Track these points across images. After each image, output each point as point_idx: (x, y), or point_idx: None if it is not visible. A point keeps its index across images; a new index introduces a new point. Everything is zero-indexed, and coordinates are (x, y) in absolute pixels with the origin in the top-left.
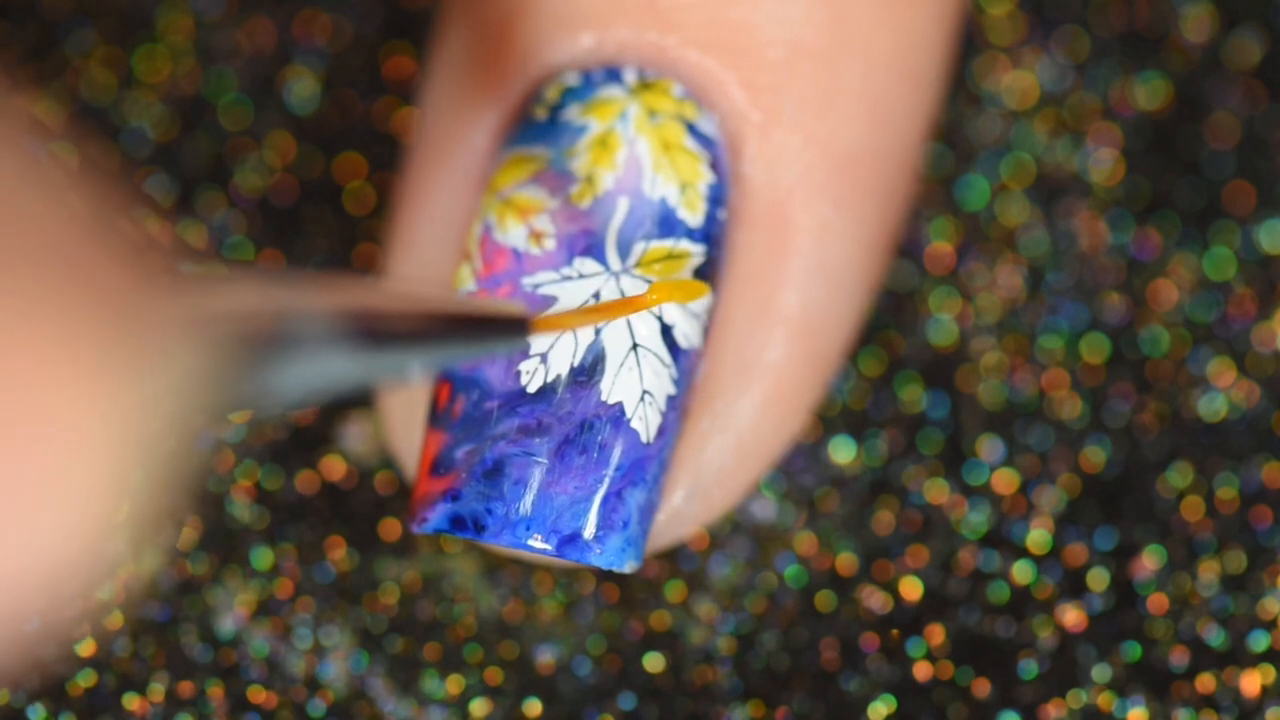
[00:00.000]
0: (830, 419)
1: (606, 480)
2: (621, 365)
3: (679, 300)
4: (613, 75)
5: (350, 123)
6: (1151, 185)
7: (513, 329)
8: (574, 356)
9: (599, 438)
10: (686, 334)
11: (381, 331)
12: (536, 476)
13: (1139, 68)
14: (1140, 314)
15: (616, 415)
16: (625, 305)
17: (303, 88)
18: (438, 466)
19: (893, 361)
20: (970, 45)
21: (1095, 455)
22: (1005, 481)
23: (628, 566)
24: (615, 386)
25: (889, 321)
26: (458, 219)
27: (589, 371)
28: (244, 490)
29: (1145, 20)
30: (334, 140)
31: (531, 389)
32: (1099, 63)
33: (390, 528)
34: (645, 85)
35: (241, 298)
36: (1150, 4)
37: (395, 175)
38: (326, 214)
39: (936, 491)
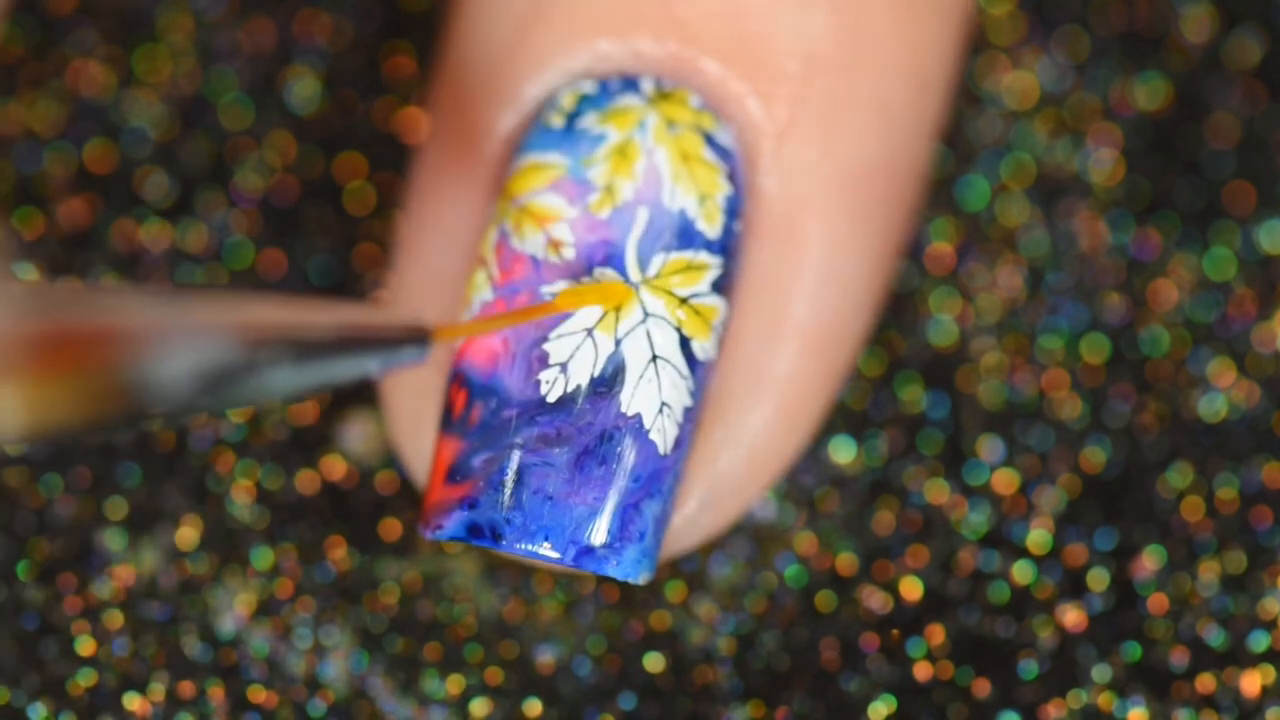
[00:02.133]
0: (830, 419)
1: (625, 492)
2: (641, 377)
3: (589, 305)
4: (630, 84)
5: (350, 123)
6: (1151, 185)
7: (412, 339)
8: (594, 367)
9: (618, 449)
10: (704, 346)
11: (270, 344)
12: (555, 486)
13: (1139, 68)
14: (1140, 314)
15: (635, 427)
16: (529, 312)
17: (303, 88)
18: (454, 473)
19: (893, 361)
20: (970, 45)
21: (1095, 455)
22: (1005, 481)
23: (641, 578)
24: (635, 398)
25: (889, 321)
26: (467, 224)
27: (609, 382)
28: (244, 490)
29: (1145, 20)
30: (334, 140)
31: (551, 399)
32: (1099, 63)
33: (390, 528)
34: (663, 95)
35: (118, 314)
36: (1150, 4)
37: (396, 175)
38: (327, 214)
39: (936, 491)
